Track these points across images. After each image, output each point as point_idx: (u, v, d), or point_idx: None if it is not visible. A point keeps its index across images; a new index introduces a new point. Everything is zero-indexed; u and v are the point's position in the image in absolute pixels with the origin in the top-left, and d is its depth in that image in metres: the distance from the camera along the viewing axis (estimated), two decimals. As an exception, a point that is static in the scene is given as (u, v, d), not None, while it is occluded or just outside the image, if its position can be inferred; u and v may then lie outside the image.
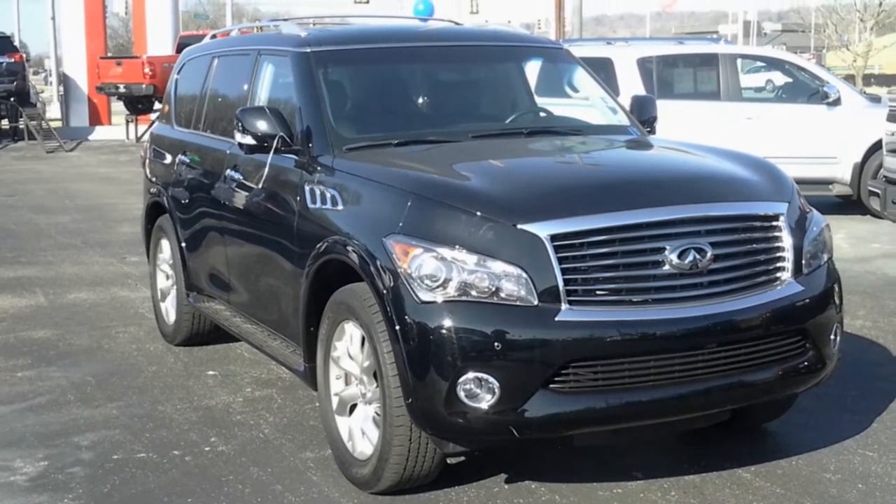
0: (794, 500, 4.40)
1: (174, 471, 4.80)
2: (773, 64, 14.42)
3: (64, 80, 28.38)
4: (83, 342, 7.03)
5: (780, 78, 14.27)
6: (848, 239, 10.80)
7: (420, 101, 5.77)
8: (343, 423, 4.66)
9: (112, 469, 4.82)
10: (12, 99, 24.80)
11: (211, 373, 6.31)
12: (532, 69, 6.37)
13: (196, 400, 5.79)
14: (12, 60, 25.34)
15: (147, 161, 7.41)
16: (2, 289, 8.72)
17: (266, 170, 5.28)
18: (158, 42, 27.74)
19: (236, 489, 4.58)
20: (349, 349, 4.58)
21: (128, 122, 25.37)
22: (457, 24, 7.20)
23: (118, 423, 5.42)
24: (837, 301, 4.67)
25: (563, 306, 4.00)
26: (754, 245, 4.39)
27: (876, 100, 12.81)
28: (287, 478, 4.69)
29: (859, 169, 12.02)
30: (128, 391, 5.96)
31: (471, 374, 3.97)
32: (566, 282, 4.01)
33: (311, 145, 5.05)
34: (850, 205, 12.40)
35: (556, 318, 3.99)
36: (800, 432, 5.16)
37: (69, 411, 5.62)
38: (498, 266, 4.02)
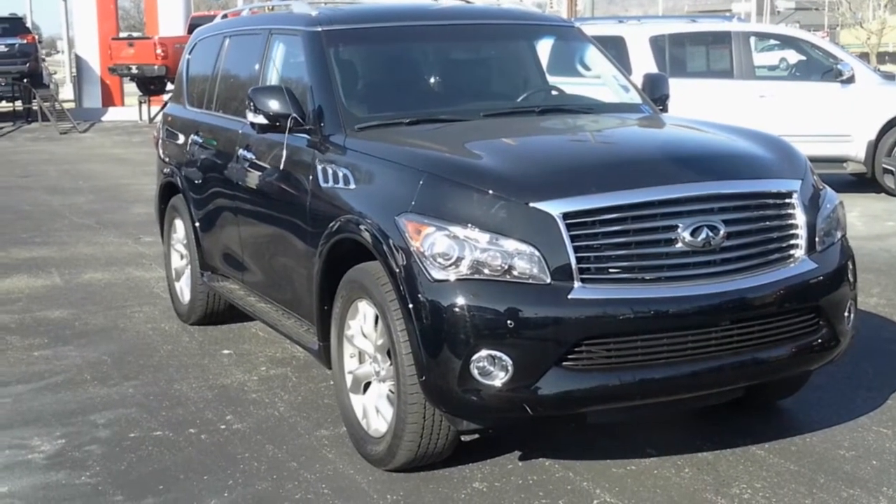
0: (807, 476, 4.41)
1: (190, 448, 4.84)
2: (786, 42, 14.34)
3: (77, 61, 28.38)
4: (99, 322, 7.07)
5: (793, 56, 14.19)
6: (862, 217, 10.76)
7: (431, 79, 5.76)
8: (357, 401, 4.68)
9: (129, 447, 4.86)
10: (25, 80, 24.84)
11: (226, 352, 6.34)
12: (544, 48, 6.35)
13: (211, 378, 5.82)
14: (25, 42, 25.37)
15: (160, 141, 7.43)
16: (17, 269, 8.77)
17: (278, 149, 5.29)
18: (170, 23, 27.70)
19: (252, 467, 4.61)
20: (363, 327, 4.60)
21: (140, 102, 25.38)
22: (468, 2, 7.18)
23: (134, 402, 5.46)
24: (851, 278, 4.67)
25: (576, 284, 4.01)
26: (767, 222, 4.38)
27: (890, 77, 12.74)
28: (302, 455, 4.72)
29: (873, 146, 11.96)
30: (143, 370, 6.00)
31: (484, 352, 3.98)
32: (579, 260, 4.02)
33: (322, 124, 5.05)
34: (865, 182, 12.34)
35: (569, 296, 3.99)
36: (814, 409, 5.17)
37: (86, 390, 5.67)
38: (510, 244, 4.02)
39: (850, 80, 11.97)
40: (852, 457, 4.61)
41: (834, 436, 4.84)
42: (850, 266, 4.69)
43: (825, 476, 4.41)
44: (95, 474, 4.56)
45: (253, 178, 5.68)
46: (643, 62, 11.42)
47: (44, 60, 29.38)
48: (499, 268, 4.02)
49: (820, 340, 4.44)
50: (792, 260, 4.39)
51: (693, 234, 4.14)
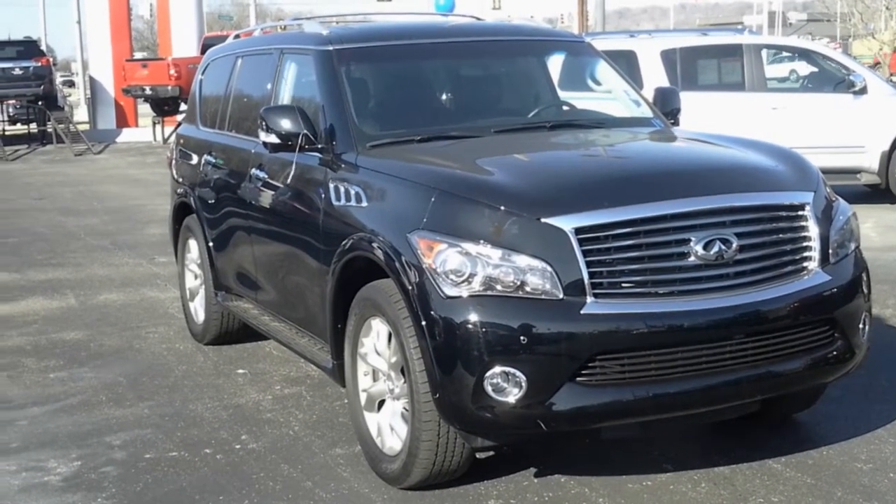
0: (825, 490, 4.38)
1: (205, 469, 4.84)
2: (798, 54, 14.32)
3: (91, 83, 28.55)
4: (114, 343, 7.09)
5: (804, 67, 14.17)
6: (876, 228, 10.72)
7: (443, 96, 5.78)
8: (372, 419, 4.68)
9: (144, 468, 4.86)
10: (40, 102, 25.01)
11: (240, 371, 6.35)
12: (555, 63, 6.36)
13: (226, 398, 5.83)
14: (39, 64, 25.55)
15: (173, 162, 7.46)
16: (33, 291, 8.81)
17: (291, 168, 5.31)
18: (183, 43, 27.87)
19: (267, 486, 4.61)
20: (376, 345, 4.60)
21: (154, 123, 25.52)
22: (478, 19, 7.20)
23: (150, 423, 5.47)
24: (865, 290, 4.64)
25: (589, 299, 4.00)
26: (780, 235, 4.36)
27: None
28: (317, 474, 4.72)
29: (887, 157, 11.92)
30: (159, 390, 6.01)
31: (497, 369, 3.98)
32: (591, 275, 4.01)
33: (334, 143, 5.07)
34: (879, 193, 12.29)
35: (582, 312, 3.99)
36: (830, 422, 5.14)
37: (101, 411, 5.68)
38: (523, 260, 4.02)
39: (863, 91, 11.95)
40: (870, 469, 4.58)
41: (851, 449, 4.81)
42: (865, 278, 4.66)
43: (842, 489, 4.38)
44: (111, 496, 4.57)
45: (266, 198, 5.69)
46: (655, 76, 11.41)
47: (66, 92, 29.53)
48: (511, 284, 4.02)
49: (835, 353, 4.42)
50: (805, 272, 4.38)
51: (706, 247, 4.13)
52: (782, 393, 4.59)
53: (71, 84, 48.63)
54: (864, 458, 4.70)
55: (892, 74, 34.45)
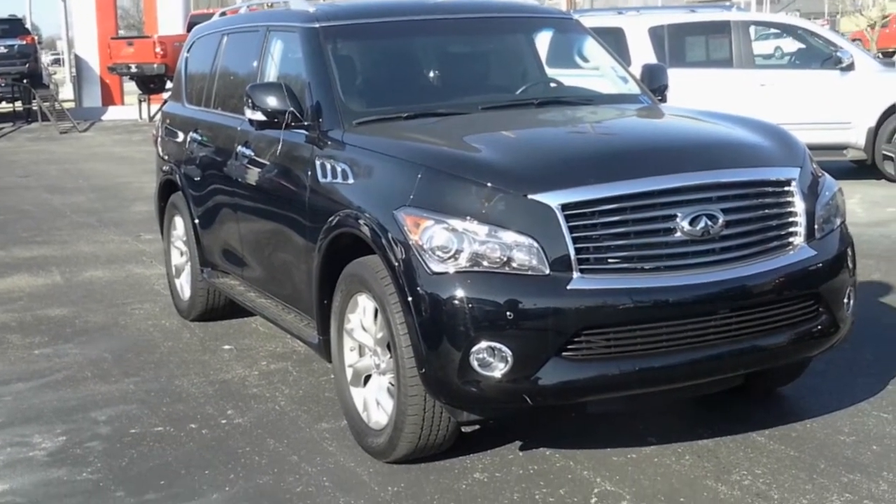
0: (808, 462, 4.41)
1: (191, 444, 4.85)
2: (785, 30, 14.32)
3: (76, 61, 28.39)
4: (99, 319, 7.08)
5: (791, 44, 14.18)
6: (862, 203, 10.76)
7: (430, 73, 5.76)
8: (358, 394, 4.69)
9: (129, 443, 4.87)
10: (25, 81, 24.86)
11: (226, 347, 6.35)
12: (542, 40, 6.35)
13: (212, 374, 5.83)
14: (24, 42, 25.40)
15: (159, 139, 7.43)
16: (18, 268, 8.78)
17: (277, 145, 5.30)
18: (169, 21, 27.71)
19: (253, 461, 4.62)
20: (362, 321, 4.61)
21: (140, 101, 25.40)
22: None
23: (135, 398, 5.47)
24: (850, 265, 4.67)
25: (575, 275, 4.01)
26: (766, 210, 4.38)
27: (889, 64, 12.72)
28: (303, 449, 4.73)
29: (873, 133, 11.96)
30: (144, 366, 6.01)
31: (483, 344, 3.99)
32: (577, 250, 4.02)
33: (321, 120, 5.05)
34: (865, 169, 12.33)
35: (568, 287, 4.00)
36: (814, 396, 5.17)
37: (86, 387, 5.68)
38: (509, 236, 4.02)
39: (850, 67, 11.96)
40: (853, 442, 4.62)
41: (834, 422, 4.84)
42: (850, 253, 4.69)
43: (826, 462, 4.42)
44: (97, 471, 4.57)
45: (252, 175, 5.68)
46: (642, 53, 11.39)
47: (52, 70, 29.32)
48: (498, 260, 4.02)
49: (819, 327, 4.44)
50: (791, 247, 4.39)
51: (692, 223, 4.14)
52: (767, 367, 4.62)
53: (58, 62, 48.31)
54: (847, 431, 4.73)
55: (879, 51, 34.45)
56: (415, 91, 5.60)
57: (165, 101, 8.40)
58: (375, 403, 4.58)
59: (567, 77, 6.07)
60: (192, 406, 5.33)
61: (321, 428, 4.97)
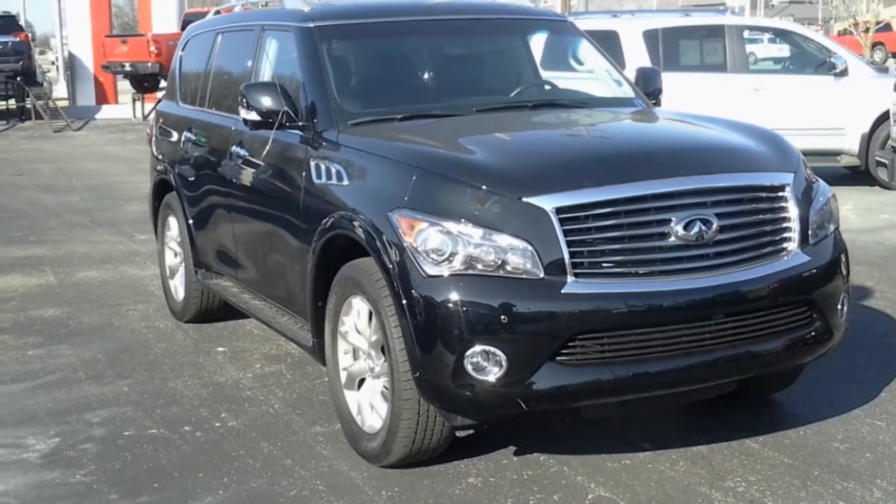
0: (802, 469, 4.41)
1: (185, 446, 4.83)
2: (780, 35, 14.35)
3: (70, 59, 28.33)
4: (93, 320, 7.06)
5: (781, 49, 14.20)
6: (856, 209, 10.77)
7: (424, 75, 5.76)
8: (352, 398, 4.68)
9: (123, 445, 4.85)
10: (19, 78, 24.80)
11: (220, 349, 6.34)
12: (537, 42, 6.35)
13: (206, 376, 5.82)
14: (18, 40, 25.30)
15: (153, 139, 7.41)
16: (12, 268, 8.75)
17: (271, 146, 5.29)
18: (163, 19, 27.66)
19: (247, 464, 4.61)
20: (357, 324, 4.60)
21: (134, 100, 25.35)
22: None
23: (129, 400, 5.46)
24: (844, 271, 4.67)
25: (569, 279, 4.01)
26: (760, 216, 4.38)
27: (883, 70, 12.74)
28: (297, 452, 4.72)
29: (867, 139, 11.96)
30: (138, 368, 5.99)
31: (478, 347, 3.98)
32: (572, 254, 4.02)
33: (315, 120, 5.05)
34: (858, 175, 12.35)
35: (563, 291, 3.99)
36: (807, 402, 5.17)
37: (80, 389, 5.66)
38: (504, 239, 4.02)
39: (844, 73, 11.97)
40: (846, 449, 4.62)
41: (828, 429, 4.84)
42: (844, 259, 4.69)
43: (819, 469, 4.42)
44: (90, 473, 4.56)
45: (246, 175, 5.67)
46: (637, 56, 11.41)
47: (45, 68, 29.23)
48: (492, 263, 4.02)
49: (813, 333, 4.44)
50: (785, 253, 4.40)
51: (686, 227, 4.14)
52: (761, 373, 4.62)
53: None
54: (840, 438, 4.73)
55: (872, 57, 34.52)
56: (410, 92, 5.59)
57: (159, 100, 8.38)
58: (370, 407, 4.57)
59: (561, 80, 6.07)
60: (185, 408, 5.31)
61: (315, 431, 4.96)
